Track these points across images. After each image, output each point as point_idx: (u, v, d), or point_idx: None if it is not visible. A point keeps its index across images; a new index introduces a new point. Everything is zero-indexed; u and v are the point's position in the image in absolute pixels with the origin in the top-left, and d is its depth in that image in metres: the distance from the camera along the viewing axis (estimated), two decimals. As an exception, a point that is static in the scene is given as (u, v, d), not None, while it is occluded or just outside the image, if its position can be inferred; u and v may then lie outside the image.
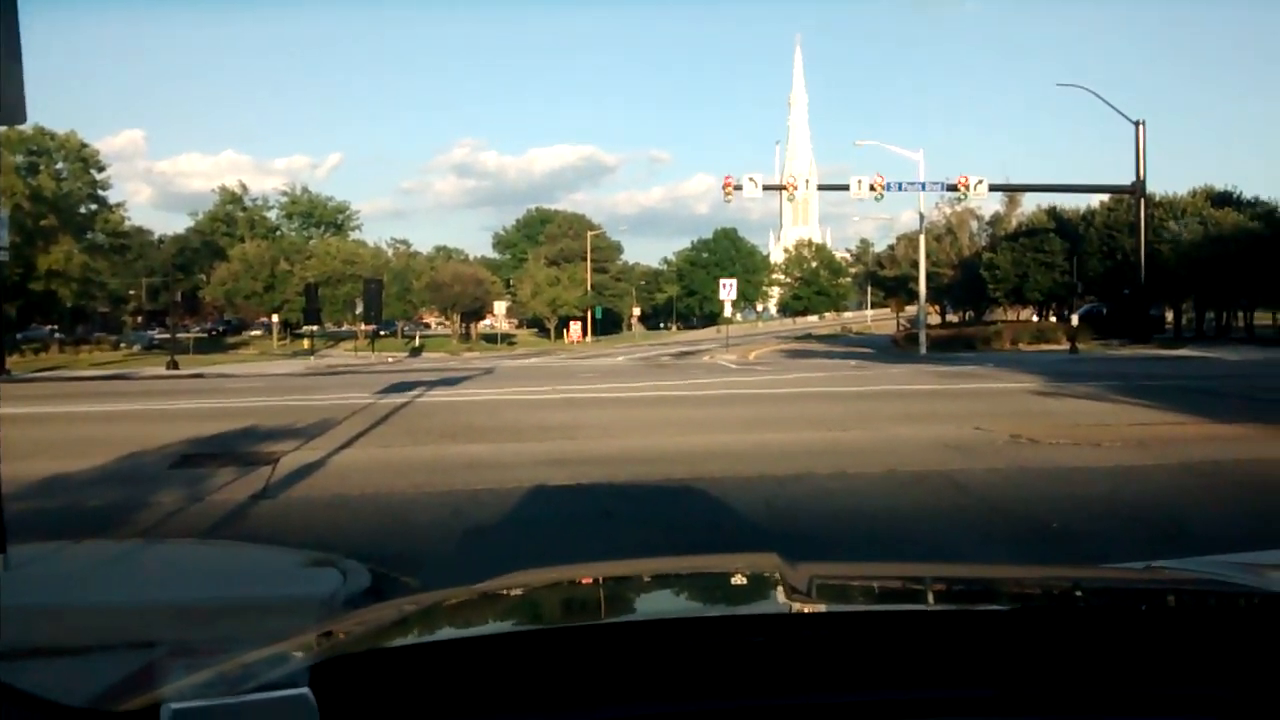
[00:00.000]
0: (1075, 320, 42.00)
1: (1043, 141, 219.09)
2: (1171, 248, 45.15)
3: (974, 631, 1.09)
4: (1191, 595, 1.36)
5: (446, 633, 1.34)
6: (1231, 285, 45.62)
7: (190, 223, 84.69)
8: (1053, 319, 55.08)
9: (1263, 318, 57.97)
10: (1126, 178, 43.82)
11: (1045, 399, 15.38)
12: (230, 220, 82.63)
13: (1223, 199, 49.65)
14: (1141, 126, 42.32)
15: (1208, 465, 8.69)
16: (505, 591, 1.53)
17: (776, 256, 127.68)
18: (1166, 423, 11.97)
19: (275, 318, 69.09)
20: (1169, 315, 53.98)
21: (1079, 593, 1.10)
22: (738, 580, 1.57)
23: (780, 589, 1.37)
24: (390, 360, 42.72)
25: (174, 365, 32.77)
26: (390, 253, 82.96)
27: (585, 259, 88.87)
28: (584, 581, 1.66)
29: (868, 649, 1.03)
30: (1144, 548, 5.59)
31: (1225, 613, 1.06)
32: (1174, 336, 47.88)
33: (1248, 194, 50.59)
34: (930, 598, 1.44)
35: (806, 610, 1.28)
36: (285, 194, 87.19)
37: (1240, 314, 55.24)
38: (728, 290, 46.66)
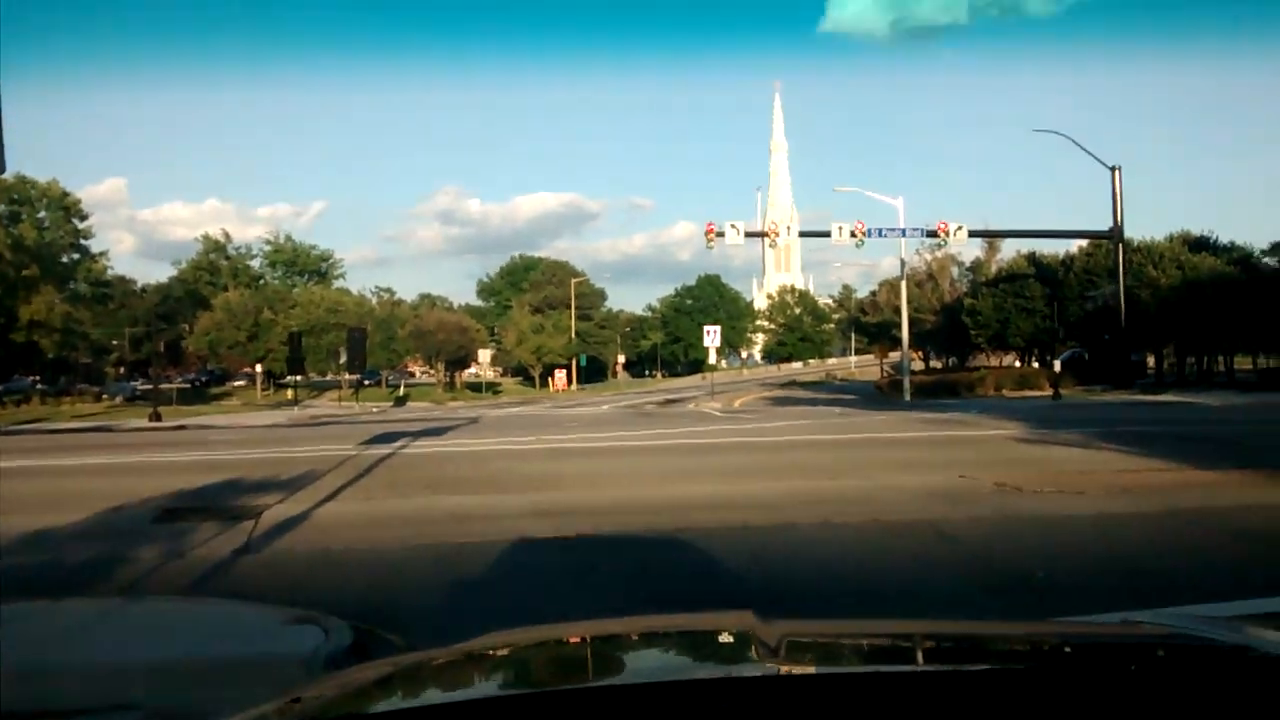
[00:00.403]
0: (1058, 366, 42.18)
1: (1021, 188, 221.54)
2: (1151, 293, 45.55)
3: (935, 694, 1.09)
4: (1159, 654, 1.37)
5: (401, 702, 1.34)
6: (1210, 330, 46.03)
7: (173, 271, 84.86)
8: (1035, 364, 55.33)
9: (1243, 362, 58.43)
10: (1104, 223, 44.25)
11: (1029, 446, 15.42)
12: (214, 269, 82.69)
13: (1199, 244, 50.26)
14: (1118, 172, 42.82)
15: (1192, 512, 8.71)
16: (471, 657, 1.53)
17: (760, 303, 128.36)
18: (1150, 469, 12.02)
19: (259, 368, 68.84)
20: (1150, 360, 54.34)
21: (1048, 651, 1.11)
22: (710, 641, 1.57)
23: (752, 649, 1.37)
24: (375, 410, 42.60)
25: (157, 417, 32.61)
26: (374, 301, 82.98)
27: (569, 306, 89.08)
28: (548, 645, 1.66)
29: (836, 712, 1.03)
30: (1128, 597, 5.58)
31: (1193, 672, 1.07)
32: (1156, 382, 48.12)
33: (1223, 239, 51.23)
34: (898, 657, 1.45)
35: (780, 672, 1.29)
36: (269, 242, 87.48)
37: (1221, 358, 55.67)
38: (712, 337, 46.75)
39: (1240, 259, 47.63)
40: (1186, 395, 35.70)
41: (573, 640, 1.67)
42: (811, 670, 1.37)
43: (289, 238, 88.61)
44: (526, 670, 1.52)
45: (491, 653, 1.56)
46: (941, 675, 1.09)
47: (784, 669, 1.31)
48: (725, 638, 1.45)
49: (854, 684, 1.23)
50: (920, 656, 1.12)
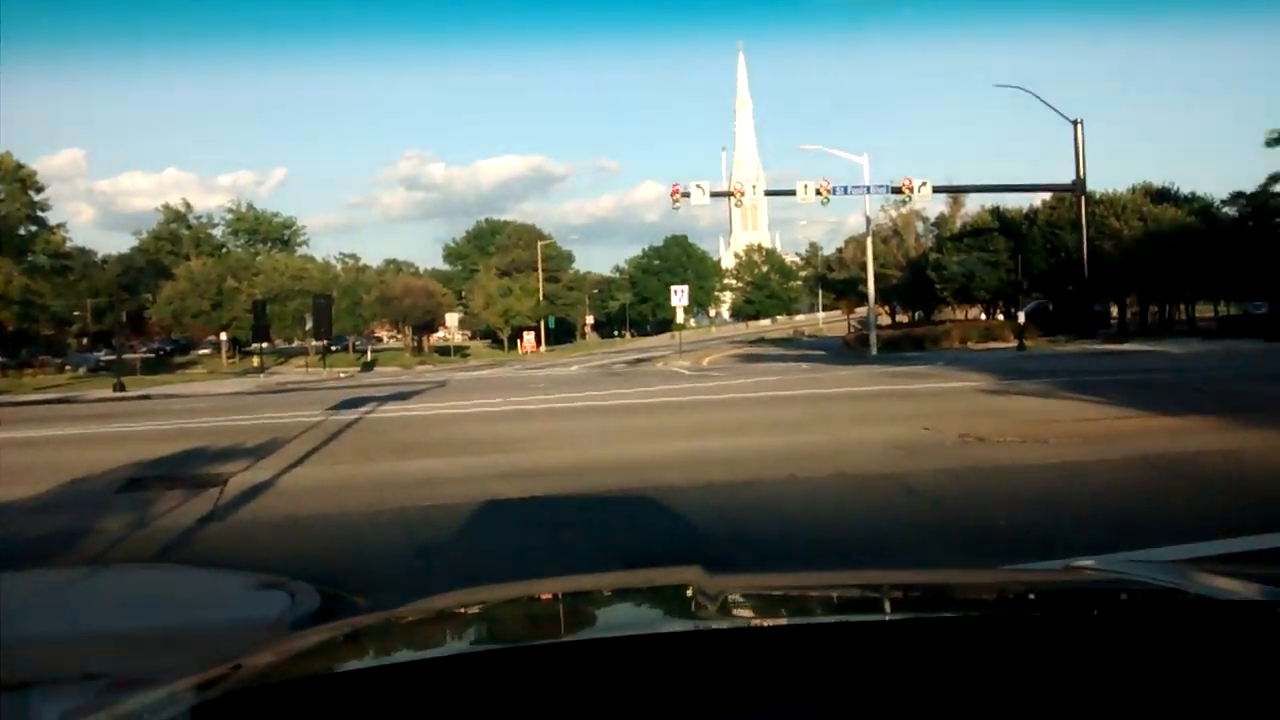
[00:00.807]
0: (1022, 318, 42.53)
1: (985, 143, 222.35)
2: (1113, 244, 45.91)
3: (863, 642, 1.10)
4: (1094, 599, 1.40)
5: (333, 666, 1.33)
6: (1172, 280, 46.51)
7: (134, 242, 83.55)
8: (1000, 317, 55.77)
9: (1204, 310, 59.14)
10: (1067, 176, 44.51)
11: (993, 397, 15.57)
12: (175, 239, 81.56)
13: (1161, 195, 50.64)
14: (1080, 125, 43.02)
15: (1152, 459, 8.83)
16: (410, 619, 1.53)
17: (727, 262, 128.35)
18: (1111, 417, 12.17)
19: (223, 336, 68.27)
20: (1113, 310, 54.90)
21: (984, 598, 1.12)
22: (653, 596, 1.58)
23: (694, 604, 1.38)
24: (342, 376, 42.37)
25: (120, 387, 32.26)
26: (339, 267, 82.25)
27: (537, 269, 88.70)
28: (488, 605, 1.66)
29: (769, 663, 1.04)
30: (1089, 543, 5.67)
31: (1125, 617, 1.09)
32: (1118, 331, 48.68)
33: (1184, 190, 51.64)
34: (834, 608, 1.47)
35: (714, 626, 1.30)
36: (230, 211, 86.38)
37: (1182, 307, 56.31)
38: (680, 296, 46.80)
39: (1201, 209, 48.04)
40: (1148, 344, 36.11)
41: (509, 599, 1.68)
42: (747, 622, 1.38)
43: (251, 206, 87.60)
44: (463, 630, 1.52)
45: (430, 614, 1.57)
46: (870, 625, 1.10)
47: (720, 623, 1.32)
48: (669, 593, 1.47)
49: (785, 635, 1.24)
50: (856, 605, 1.14)
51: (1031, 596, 1.48)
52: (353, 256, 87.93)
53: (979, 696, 0.98)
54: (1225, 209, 47.62)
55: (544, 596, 1.71)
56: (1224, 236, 43.50)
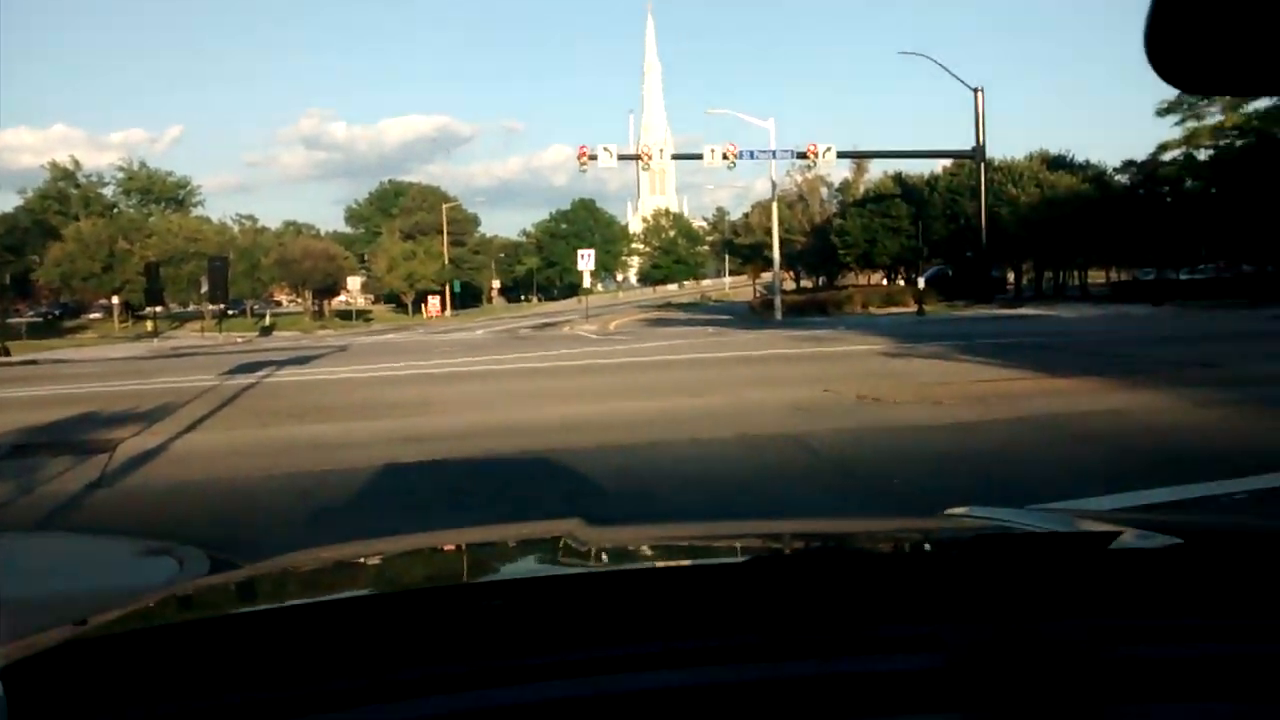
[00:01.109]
0: (922, 283, 43.43)
1: (889, 110, 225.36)
2: (1010, 211, 47.04)
3: (717, 582, 1.12)
4: (949, 538, 1.43)
5: (175, 618, 1.30)
6: (1066, 246, 47.88)
7: (19, 201, 79.95)
8: (901, 282, 56.83)
9: (1096, 276, 61.09)
10: (968, 143, 45.38)
11: (892, 360, 15.88)
12: (63, 198, 78.24)
13: (1057, 163, 52.06)
14: (980, 93, 43.87)
15: (1041, 418, 9.10)
16: (271, 573, 1.50)
17: (635, 226, 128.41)
18: (1004, 379, 12.50)
19: (115, 300, 66.05)
20: (1010, 276, 56.37)
21: (845, 541, 1.15)
22: (526, 547, 1.58)
23: (563, 552, 1.38)
24: (240, 340, 41.44)
25: (5, 352, 31.16)
26: (236, 229, 79.93)
27: (442, 232, 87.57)
28: (352, 557, 1.64)
29: (639, 606, 1.05)
30: (976, 499, 5.81)
31: (969, 554, 1.11)
32: (1015, 296, 50.01)
33: (1080, 158, 53.12)
34: (698, 553, 1.48)
35: (578, 570, 1.30)
36: (122, 169, 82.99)
37: (1076, 273, 58.07)
38: (586, 260, 46.70)
39: (1095, 176, 49.52)
40: (1043, 308, 37.19)
41: (378, 551, 1.65)
42: (613, 565, 1.38)
43: (143, 164, 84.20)
44: (321, 581, 1.49)
45: (293, 567, 1.53)
46: (734, 565, 1.11)
47: (585, 567, 1.33)
48: (541, 543, 1.46)
49: (650, 576, 1.25)
50: (724, 549, 1.15)
51: (896, 538, 1.52)
52: (250, 218, 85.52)
53: (835, 625, 1.01)
54: (1118, 177, 49.15)
55: (407, 547, 1.68)
56: (1116, 204, 44.90)
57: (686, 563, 1.43)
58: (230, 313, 62.82)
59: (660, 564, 1.46)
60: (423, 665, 0.95)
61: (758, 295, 64.23)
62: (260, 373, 17.14)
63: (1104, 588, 1.10)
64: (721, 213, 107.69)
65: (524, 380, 15.37)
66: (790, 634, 1.00)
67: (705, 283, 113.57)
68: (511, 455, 8.31)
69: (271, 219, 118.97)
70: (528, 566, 1.50)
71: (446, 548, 1.70)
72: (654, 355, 19.20)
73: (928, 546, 1.26)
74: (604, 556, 1.41)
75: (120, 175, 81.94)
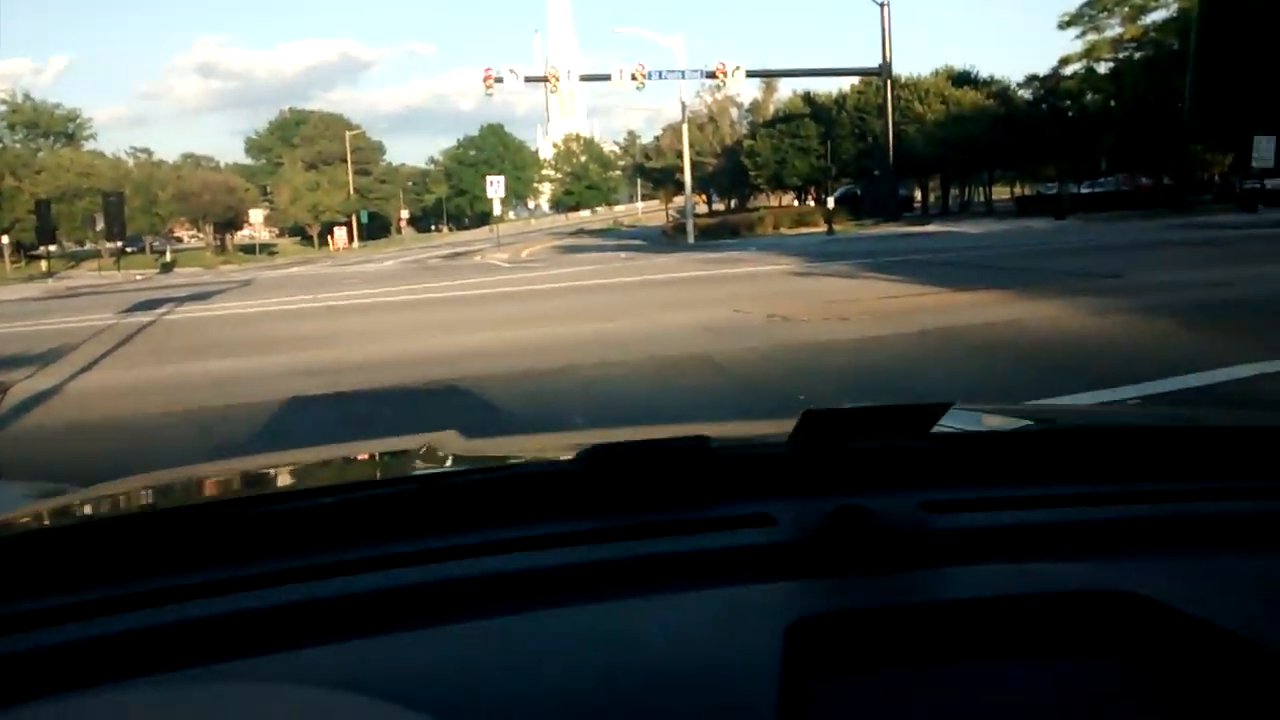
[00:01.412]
0: (831, 203, 43.75)
1: (797, 28, 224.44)
2: (917, 129, 47.44)
3: (561, 476, 1.16)
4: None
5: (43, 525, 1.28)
6: (972, 162, 48.53)
7: (-108, 136, 76.01)
8: (811, 203, 57.18)
9: (1001, 192, 62.13)
10: (875, 61, 45.48)
11: (801, 279, 16.00)
12: (-59, 133, 74.66)
13: (962, 79, 52.46)
14: (887, 9, 43.89)
15: (944, 331, 9.24)
16: (142, 488, 1.48)
17: (546, 152, 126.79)
18: (909, 294, 12.67)
19: (5, 239, 63.42)
20: (918, 194, 57.03)
21: (697, 441, 1.16)
22: (399, 457, 1.58)
23: (435, 458, 1.38)
24: (139, 278, 40.23)
25: (-113, 297, 29.80)
26: (131, 163, 77.07)
27: (346, 161, 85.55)
28: (216, 473, 1.60)
29: (510, 504, 1.09)
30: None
31: (805, 438, 1.15)
32: (922, 214, 50.69)
33: (984, 73, 53.60)
34: (549, 452, 1.50)
35: (425, 471, 1.31)
36: (5, 102, 79.06)
37: (981, 189, 59.00)
38: (496, 187, 46.07)
39: (999, 92, 50.06)
40: (949, 225, 37.77)
41: (255, 466, 1.62)
42: (465, 467, 1.38)
43: (28, 96, 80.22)
44: (178, 494, 1.45)
45: (153, 483, 1.49)
46: (581, 462, 1.12)
47: (433, 469, 1.32)
48: (415, 452, 1.44)
49: (501, 475, 1.25)
50: (584, 449, 1.15)
51: (754, 433, 1.57)
52: (145, 151, 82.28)
53: (673, 508, 1.07)
54: (1021, 92, 49.77)
55: (263, 463, 1.66)
56: (1020, 119, 45.53)
57: (538, 458, 1.45)
58: (128, 250, 60.72)
59: (512, 461, 1.50)
60: (252, 561, 0.96)
61: (670, 220, 64.17)
62: (160, 310, 16.69)
63: (929, 464, 1.17)
64: (633, 136, 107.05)
65: (433, 310, 15.17)
66: (627, 517, 1.04)
67: (618, 208, 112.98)
68: (420, 385, 8.20)
69: (168, 152, 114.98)
70: (373, 469, 1.51)
71: (305, 460, 1.68)
72: (566, 282, 19.09)
73: (770, 436, 1.29)
74: (461, 460, 1.42)
75: (3, 109, 78.15)
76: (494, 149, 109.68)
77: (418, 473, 1.32)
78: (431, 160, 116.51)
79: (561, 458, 1.20)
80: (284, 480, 1.47)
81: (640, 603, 0.89)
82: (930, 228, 36.85)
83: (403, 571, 0.95)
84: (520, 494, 1.11)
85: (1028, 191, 58.31)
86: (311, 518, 1.06)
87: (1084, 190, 45.23)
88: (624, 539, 1.00)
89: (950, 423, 1.24)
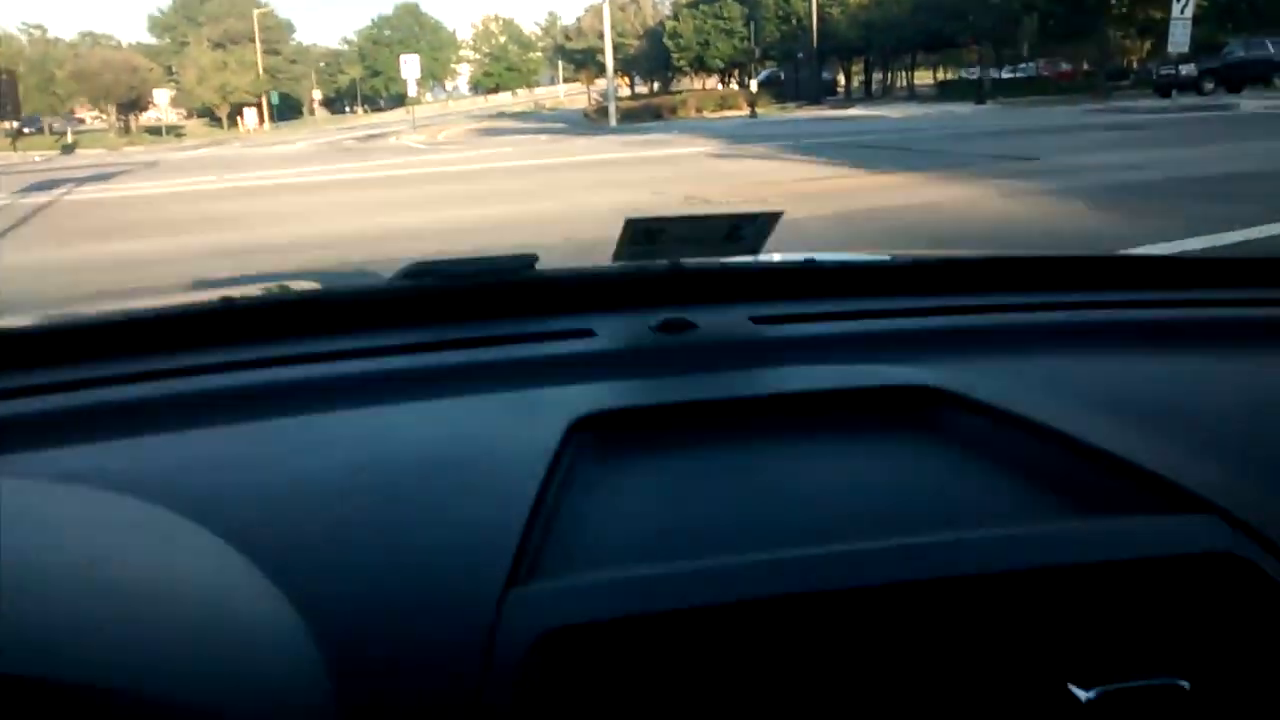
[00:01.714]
0: (754, 86, 43.37)
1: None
2: (842, 10, 46.97)
3: (406, 298, 1.21)
4: None
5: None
6: (896, 46, 48.30)
7: None
8: (735, 86, 56.60)
9: (924, 76, 62.07)
10: (798, -59, 44.64)
11: (722, 161, 15.90)
12: None
13: (888, -39, 51.77)
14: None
15: (862, 213, 9.30)
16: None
17: (464, 33, 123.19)
18: (828, 177, 12.68)
19: (-110, 121, 60.33)
20: (841, 78, 56.75)
21: (553, 275, 1.24)
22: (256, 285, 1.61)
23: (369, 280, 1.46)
24: (38, 159, 38.60)
25: None
26: (25, 39, 73.37)
27: (254, 40, 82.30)
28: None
29: (309, 316, 1.15)
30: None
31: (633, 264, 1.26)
32: (845, 97, 50.53)
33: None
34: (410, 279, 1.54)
35: (269, 294, 1.40)
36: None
37: (904, 74, 58.85)
38: (410, 67, 44.73)
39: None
40: (871, 108, 37.71)
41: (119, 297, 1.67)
42: (313, 293, 1.48)
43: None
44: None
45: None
46: (430, 287, 1.21)
47: (287, 294, 1.42)
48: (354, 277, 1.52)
49: (352, 298, 1.29)
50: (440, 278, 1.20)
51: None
52: (40, 27, 78.43)
53: (503, 320, 1.18)
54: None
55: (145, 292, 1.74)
56: (943, 2, 45.27)
57: (370, 283, 1.48)
58: (26, 131, 58.07)
59: (343, 285, 1.61)
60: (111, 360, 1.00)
61: (593, 103, 63.09)
62: (59, 190, 16.05)
63: (763, 282, 1.27)
64: (553, 17, 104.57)
65: (347, 192, 14.80)
66: (442, 330, 1.10)
67: (539, 91, 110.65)
68: (330, 267, 7.95)
69: (65, 29, 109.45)
70: (215, 297, 1.52)
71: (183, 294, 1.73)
72: (484, 164, 18.74)
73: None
74: (308, 291, 1.51)
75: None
76: (409, 28, 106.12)
77: (250, 296, 1.35)
78: (345, 40, 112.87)
79: (396, 284, 1.22)
80: (132, 304, 1.48)
81: (431, 405, 0.90)
82: (852, 111, 36.75)
83: (205, 378, 0.97)
84: (341, 311, 1.15)
85: (950, 76, 58.37)
86: (131, 331, 1.09)
87: (1005, 75, 45.35)
88: (433, 351, 1.04)
89: (794, 256, 1.34)
